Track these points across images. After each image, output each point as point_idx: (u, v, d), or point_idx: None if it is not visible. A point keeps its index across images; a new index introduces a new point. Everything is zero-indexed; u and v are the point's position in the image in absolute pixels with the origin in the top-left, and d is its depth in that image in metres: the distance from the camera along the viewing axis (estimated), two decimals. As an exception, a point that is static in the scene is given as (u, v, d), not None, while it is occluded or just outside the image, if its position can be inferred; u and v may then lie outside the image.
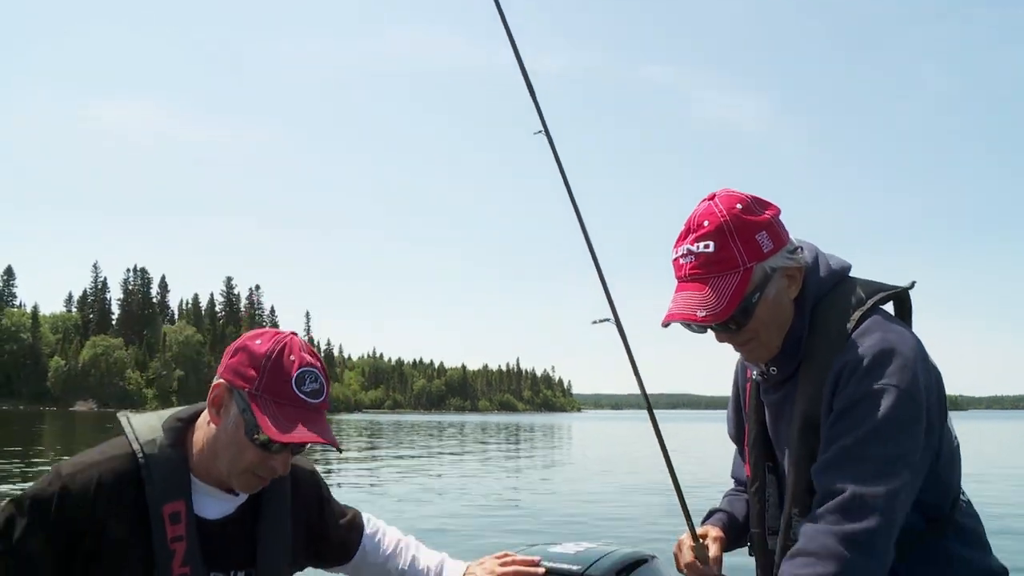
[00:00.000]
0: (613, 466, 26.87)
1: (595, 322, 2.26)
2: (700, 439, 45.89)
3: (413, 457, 29.91)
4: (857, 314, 1.96)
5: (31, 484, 1.87)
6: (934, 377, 1.93)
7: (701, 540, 2.21)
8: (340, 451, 1.98)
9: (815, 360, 1.97)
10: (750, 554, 2.24)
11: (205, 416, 1.95)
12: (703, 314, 1.90)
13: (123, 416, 1.99)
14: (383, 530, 2.35)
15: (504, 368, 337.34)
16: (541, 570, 2.30)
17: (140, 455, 1.88)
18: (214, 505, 1.96)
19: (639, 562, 2.56)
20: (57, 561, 1.80)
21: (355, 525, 2.30)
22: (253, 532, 2.01)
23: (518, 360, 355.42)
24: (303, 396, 1.86)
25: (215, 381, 1.91)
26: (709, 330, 2.01)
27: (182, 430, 1.96)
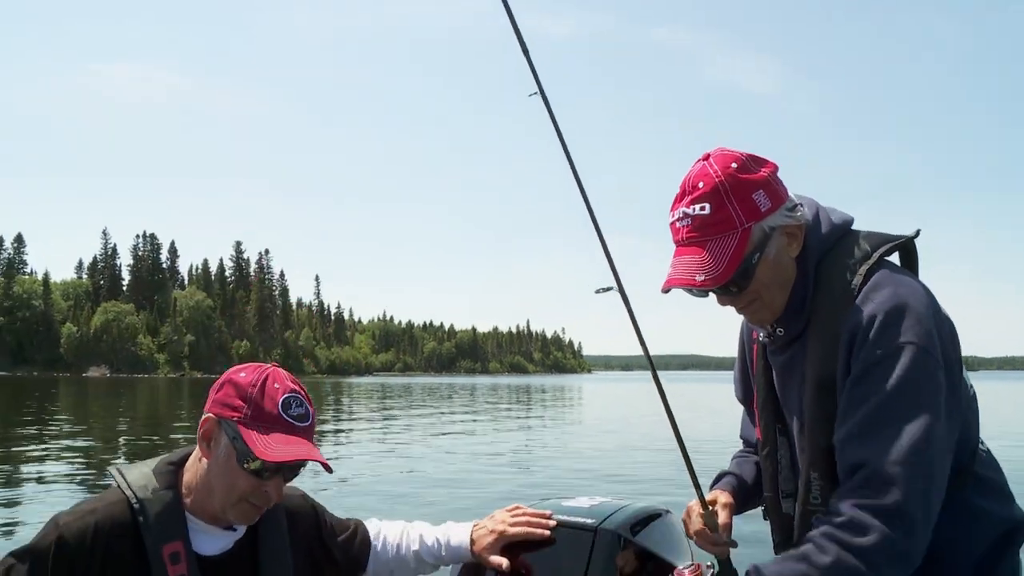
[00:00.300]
0: (623, 426, 26.99)
1: (599, 291, 2.21)
2: (710, 400, 46.01)
3: (424, 419, 30.05)
4: (863, 268, 1.91)
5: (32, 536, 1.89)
6: (947, 328, 1.89)
7: (711, 507, 2.18)
8: (331, 472, 1.99)
9: (823, 319, 1.93)
10: (764, 518, 2.21)
11: (195, 455, 1.99)
12: (702, 278, 1.86)
13: (114, 469, 2.01)
14: (384, 528, 2.37)
15: (514, 330, 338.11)
16: (552, 522, 2.31)
17: (134, 501, 1.91)
18: (212, 542, 1.98)
19: (653, 516, 2.56)
20: None
21: (360, 537, 2.32)
22: (254, 566, 2.03)
23: (528, 322, 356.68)
24: (291, 420, 1.92)
25: (203, 417, 1.94)
26: (711, 294, 1.97)
27: (173, 473, 1.99)
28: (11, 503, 11.53)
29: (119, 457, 18.29)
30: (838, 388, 1.88)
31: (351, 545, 2.29)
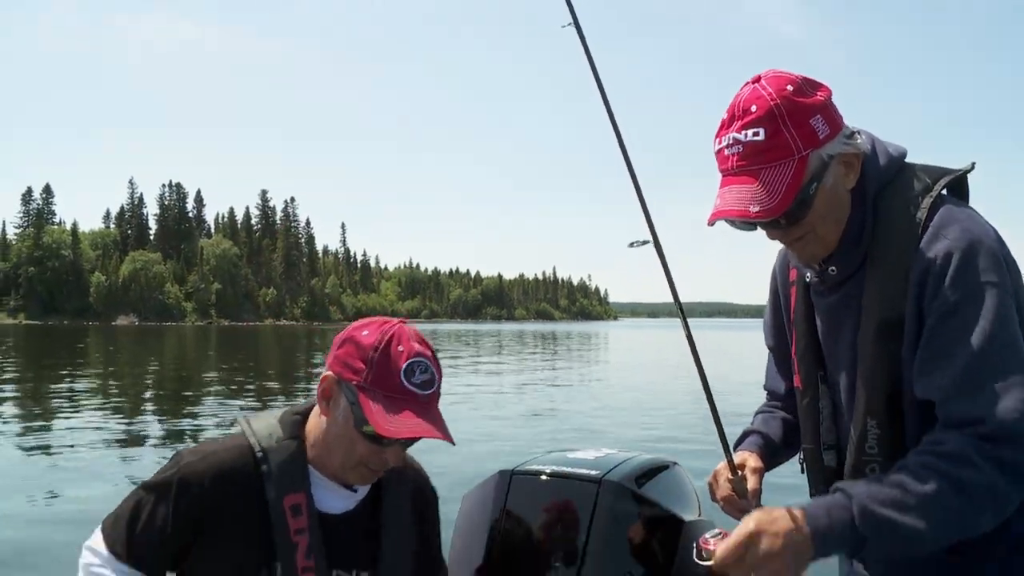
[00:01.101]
0: (646, 374, 27.02)
1: (633, 244, 2.05)
2: (736, 347, 45.90)
3: (448, 367, 30.22)
4: (926, 202, 1.78)
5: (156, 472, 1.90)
6: (1015, 267, 1.78)
7: (740, 471, 2.05)
8: (454, 444, 1.85)
9: (886, 256, 1.80)
10: (802, 471, 2.11)
11: (316, 410, 1.91)
12: (756, 209, 1.70)
13: (241, 418, 1.96)
14: None
15: (540, 277, 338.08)
16: None
17: (258, 449, 1.86)
18: (333, 499, 1.91)
19: (660, 468, 2.55)
20: (178, 547, 1.83)
21: (438, 565, 2.18)
22: (375, 532, 1.95)
23: (554, 269, 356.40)
24: (413, 388, 1.80)
25: (324, 373, 1.87)
26: (759, 227, 1.82)
27: (299, 424, 1.93)
28: (47, 448, 11.73)
29: (150, 401, 18.56)
30: (907, 330, 1.76)
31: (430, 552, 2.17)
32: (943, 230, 1.75)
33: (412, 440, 1.86)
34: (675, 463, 2.67)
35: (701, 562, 1.89)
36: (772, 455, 2.17)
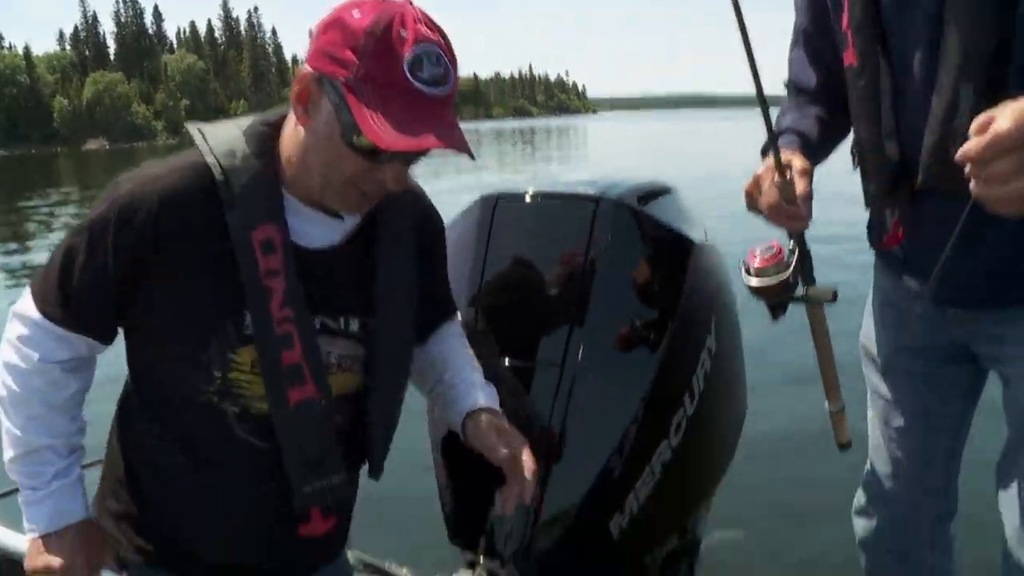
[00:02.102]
0: (625, 161, 26.87)
1: None
2: (723, 135, 45.66)
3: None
4: None
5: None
6: None
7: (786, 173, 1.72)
8: (473, 159, 1.49)
9: None
10: (855, 166, 1.85)
11: (292, 118, 1.49)
12: None
13: (192, 126, 1.54)
14: (454, 335, 1.84)
15: (516, 75, 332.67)
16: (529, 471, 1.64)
17: (218, 169, 1.46)
18: (314, 231, 1.53)
19: (660, 191, 2.30)
20: (122, 296, 1.48)
21: (448, 305, 1.85)
22: (365, 271, 1.59)
23: (531, 66, 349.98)
24: (419, 85, 1.36)
25: (301, 70, 1.43)
26: None
27: (269, 136, 1.52)
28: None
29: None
30: None
31: (437, 304, 1.81)
32: None
33: (416, 156, 1.47)
34: (675, 188, 2.43)
35: (750, 278, 1.73)
36: (812, 156, 1.84)
